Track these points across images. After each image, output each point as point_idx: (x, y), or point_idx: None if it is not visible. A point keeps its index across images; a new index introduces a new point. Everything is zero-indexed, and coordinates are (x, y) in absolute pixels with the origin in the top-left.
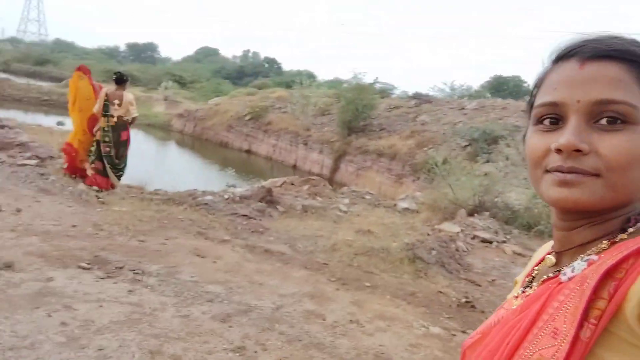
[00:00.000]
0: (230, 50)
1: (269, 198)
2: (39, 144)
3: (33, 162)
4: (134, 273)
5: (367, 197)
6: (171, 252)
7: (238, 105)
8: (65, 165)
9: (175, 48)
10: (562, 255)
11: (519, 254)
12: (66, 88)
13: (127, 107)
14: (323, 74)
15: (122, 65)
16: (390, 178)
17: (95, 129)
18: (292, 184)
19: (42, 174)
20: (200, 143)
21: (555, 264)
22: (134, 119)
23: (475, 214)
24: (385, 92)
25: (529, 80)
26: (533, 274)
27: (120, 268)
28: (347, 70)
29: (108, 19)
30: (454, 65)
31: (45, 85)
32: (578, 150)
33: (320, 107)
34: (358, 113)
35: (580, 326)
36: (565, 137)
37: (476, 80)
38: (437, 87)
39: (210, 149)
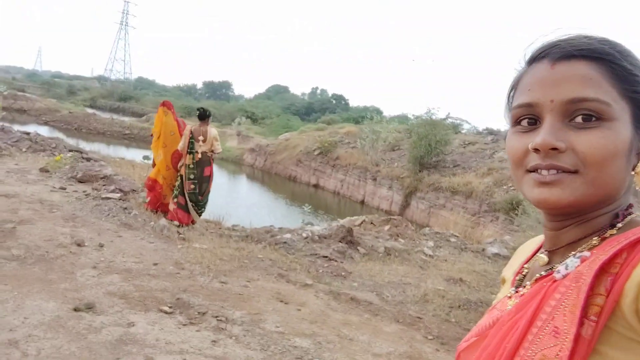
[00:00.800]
0: (300, 87)
1: (349, 238)
2: (122, 177)
3: (116, 195)
4: (218, 320)
5: (452, 239)
6: (254, 297)
7: (307, 140)
8: (147, 200)
9: (248, 86)
10: (554, 253)
11: None
12: (146, 123)
13: (211, 142)
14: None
15: (199, 102)
16: (465, 217)
17: (179, 165)
18: (372, 224)
19: (125, 208)
20: (269, 177)
21: (548, 262)
22: (216, 153)
23: None
24: (456, 128)
25: None
26: (523, 272)
27: (203, 314)
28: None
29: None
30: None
31: (127, 119)
32: (555, 149)
33: (390, 143)
34: (431, 149)
35: (581, 324)
36: (541, 136)
37: None
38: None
39: (279, 182)
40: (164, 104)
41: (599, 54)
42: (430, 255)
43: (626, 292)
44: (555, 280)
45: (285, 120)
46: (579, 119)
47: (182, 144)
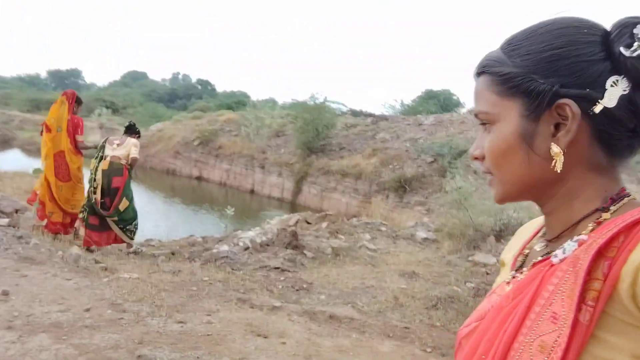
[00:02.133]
0: (160, 73)
1: (295, 243)
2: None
3: (3, 221)
4: None
5: (383, 228)
6: (225, 335)
7: (184, 130)
8: (43, 223)
9: (99, 73)
10: (552, 240)
11: None
12: None
13: (129, 148)
14: (257, 94)
15: (46, 94)
16: (356, 198)
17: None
18: (307, 222)
19: (20, 237)
20: (144, 172)
21: (545, 247)
22: (133, 159)
23: (502, 240)
24: (338, 112)
25: (458, 93)
26: (525, 253)
27: None
28: (281, 89)
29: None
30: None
31: None
32: (476, 158)
33: (275, 129)
34: (318, 133)
35: (579, 309)
36: (470, 149)
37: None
38: (388, 104)
39: (156, 177)
40: (65, 94)
41: (481, 69)
42: (373, 250)
43: (623, 277)
44: (552, 265)
45: (152, 109)
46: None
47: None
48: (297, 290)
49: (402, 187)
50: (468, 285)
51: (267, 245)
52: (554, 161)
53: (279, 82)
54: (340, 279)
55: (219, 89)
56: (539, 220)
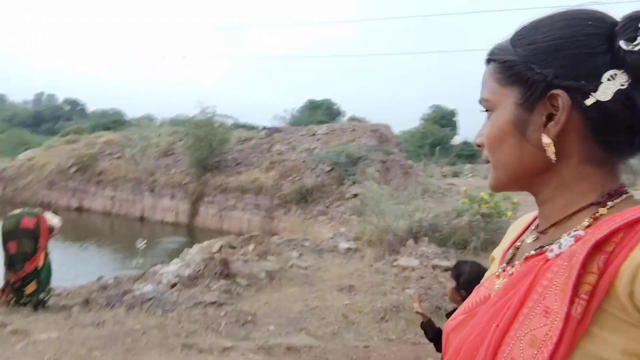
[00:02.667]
0: (20, 94)
1: (226, 272)
2: None
3: None
4: None
5: (306, 243)
6: None
7: (58, 156)
8: None
9: None
10: (544, 233)
11: None
12: None
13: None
14: (133, 112)
15: None
16: (258, 214)
17: None
18: (232, 247)
19: None
20: (12, 208)
21: (537, 240)
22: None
23: (418, 242)
24: (232, 126)
25: (339, 102)
26: (516, 246)
27: None
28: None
29: None
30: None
31: None
32: (479, 145)
33: (163, 148)
34: (212, 150)
35: (572, 302)
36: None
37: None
38: (280, 115)
39: None
40: None
41: (489, 57)
42: (304, 267)
43: (621, 274)
44: (547, 260)
45: (17, 135)
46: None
47: None
48: (242, 324)
49: (304, 199)
50: (408, 292)
51: (196, 278)
52: (546, 151)
53: (155, 96)
54: (282, 304)
55: (90, 108)
56: (530, 215)
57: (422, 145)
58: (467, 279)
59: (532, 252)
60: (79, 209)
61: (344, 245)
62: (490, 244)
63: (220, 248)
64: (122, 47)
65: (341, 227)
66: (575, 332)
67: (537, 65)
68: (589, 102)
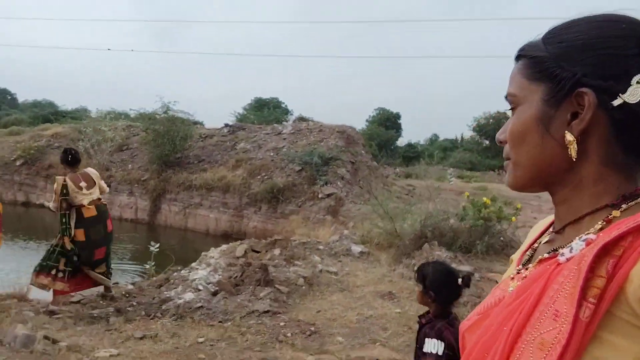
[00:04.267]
0: None
1: (267, 278)
2: None
3: None
4: None
5: (320, 247)
6: None
7: (1, 149)
8: None
9: None
10: (559, 233)
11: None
12: None
13: (99, 185)
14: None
15: None
16: (227, 212)
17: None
18: (256, 251)
19: None
20: None
21: (551, 242)
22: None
23: (432, 246)
24: (194, 122)
25: (287, 101)
26: (533, 249)
27: None
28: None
29: None
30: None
31: None
32: (501, 142)
33: (118, 143)
34: (175, 146)
35: (579, 306)
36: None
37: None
38: (234, 112)
39: None
40: None
41: (519, 52)
42: (334, 273)
43: (631, 278)
44: (559, 264)
45: None
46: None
47: (54, 204)
48: (308, 335)
49: (275, 198)
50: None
51: (237, 285)
52: (568, 149)
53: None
54: (335, 313)
55: (20, 98)
56: (550, 218)
57: (369, 146)
58: (432, 279)
59: (545, 255)
60: (26, 204)
61: (356, 249)
62: (495, 249)
63: (245, 252)
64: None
65: (344, 230)
66: (584, 336)
67: (566, 63)
68: (616, 102)
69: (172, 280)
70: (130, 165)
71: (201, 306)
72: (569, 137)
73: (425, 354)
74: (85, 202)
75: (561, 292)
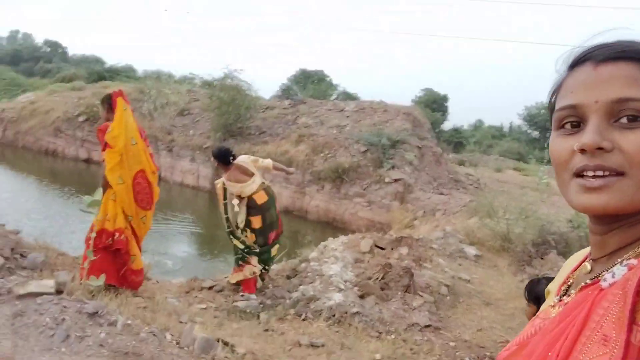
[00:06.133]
0: None
1: (412, 284)
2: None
3: (47, 285)
4: None
5: (434, 246)
6: None
7: (64, 103)
8: (100, 280)
9: None
10: (598, 262)
11: None
12: None
13: (259, 166)
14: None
15: None
16: (289, 188)
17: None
18: (381, 248)
19: (95, 313)
20: (14, 152)
21: (591, 271)
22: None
23: (550, 254)
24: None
25: (331, 74)
26: (569, 282)
27: None
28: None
29: None
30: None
31: None
32: (601, 148)
33: (181, 107)
34: (240, 116)
35: (630, 330)
36: (586, 136)
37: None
38: (282, 83)
39: (31, 159)
40: (120, 94)
41: (634, 54)
42: (467, 281)
43: None
44: (602, 289)
45: (10, 76)
46: (624, 120)
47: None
48: (483, 357)
49: (339, 178)
50: None
51: (382, 289)
52: None
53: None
54: (496, 333)
55: (71, 52)
56: (584, 251)
57: None
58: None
59: (588, 282)
60: (88, 160)
61: (471, 251)
62: None
63: (371, 248)
64: None
65: (447, 226)
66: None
67: None
68: None
69: (302, 273)
70: (191, 131)
71: (357, 312)
72: None
73: None
74: (255, 190)
75: (607, 316)
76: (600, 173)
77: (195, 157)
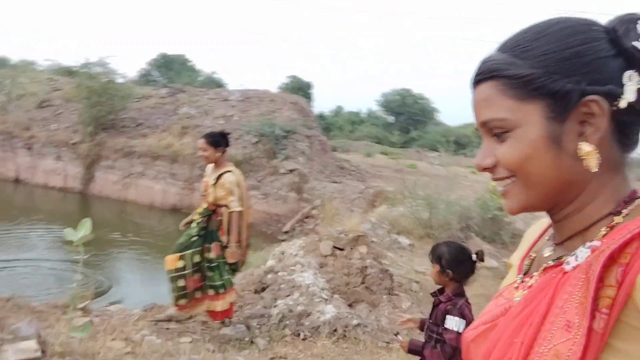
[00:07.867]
0: None
1: (392, 286)
2: None
3: (30, 349)
4: None
5: (374, 239)
6: None
7: None
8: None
9: None
10: (558, 245)
11: None
12: None
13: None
14: None
15: None
16: (176, 185)
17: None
18: (339, 249)
19: None
20: None
21: (555, 251)
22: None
23: (469, 237)
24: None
25: (194, 59)
26: (531, 257)
27: None
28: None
29: None
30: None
31: None
32: (486, 168)
33: (40, 99)
34: (112, 107)
35: (593, 317)
36: (475, 160)
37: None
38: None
39: None
40: None
41: (490, 73)
42: (422, 272)
43: (638, 285)
44: (565, 272)
45: None
46: (496, 135)
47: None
48: None
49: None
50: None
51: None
52: (585, 161)
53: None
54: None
55: None
56: (544, 222)
57: None
58: (448, 258)
59: (550, 263)
60: None
61: (404, 241)
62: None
63: (333, 251)
64: None
65: (371, 217)
66: (599, 346)
67: (560, 76)
68: (622, 104)
69: (273, 285)
70: (54, 125)
71: (359, 323)
72: (587, 147)
73: (447, 329)
74: None
75: (570, 302)
76: (501, 184)
77: (61, 154)
